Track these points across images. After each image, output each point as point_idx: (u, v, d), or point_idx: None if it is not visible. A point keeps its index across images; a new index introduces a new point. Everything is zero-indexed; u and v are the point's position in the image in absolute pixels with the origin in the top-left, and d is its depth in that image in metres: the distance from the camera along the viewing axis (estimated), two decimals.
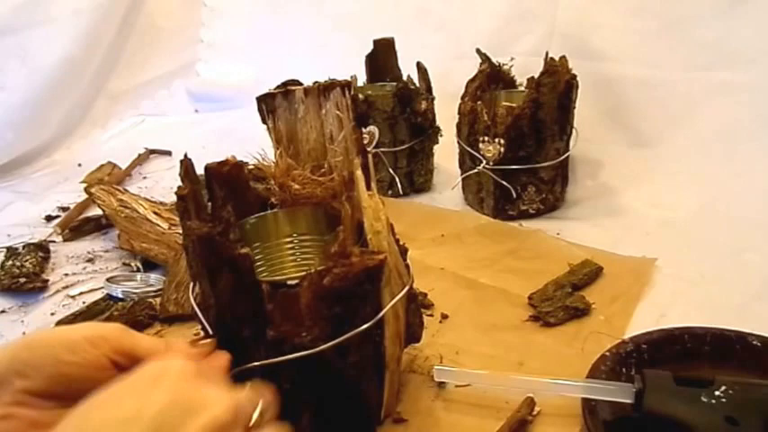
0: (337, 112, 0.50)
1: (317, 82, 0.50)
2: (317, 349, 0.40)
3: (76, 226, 0.87)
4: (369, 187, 0.44)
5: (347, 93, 0.49)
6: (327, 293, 0.40)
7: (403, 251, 0.50)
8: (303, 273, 0.42)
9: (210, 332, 0.42)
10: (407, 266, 0.49)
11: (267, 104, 0.52)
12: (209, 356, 0.37)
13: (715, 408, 0.42)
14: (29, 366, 0.32)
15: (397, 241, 0.50)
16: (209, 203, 0.46)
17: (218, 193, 0.46)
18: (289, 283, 0.42)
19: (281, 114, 0.52)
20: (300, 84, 0.54)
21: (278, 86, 0.53)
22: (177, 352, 0.36)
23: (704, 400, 0.43)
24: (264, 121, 0.52)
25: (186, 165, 0.44)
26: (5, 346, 0.33)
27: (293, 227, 0.52)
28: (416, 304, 0.52)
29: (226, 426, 0.28)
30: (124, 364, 0.34)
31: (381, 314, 0.43)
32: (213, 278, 0.40)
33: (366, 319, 0.42)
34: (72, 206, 0.94)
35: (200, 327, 0.44)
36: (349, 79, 0.51)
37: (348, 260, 0.40)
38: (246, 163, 0.49)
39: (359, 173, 0.44)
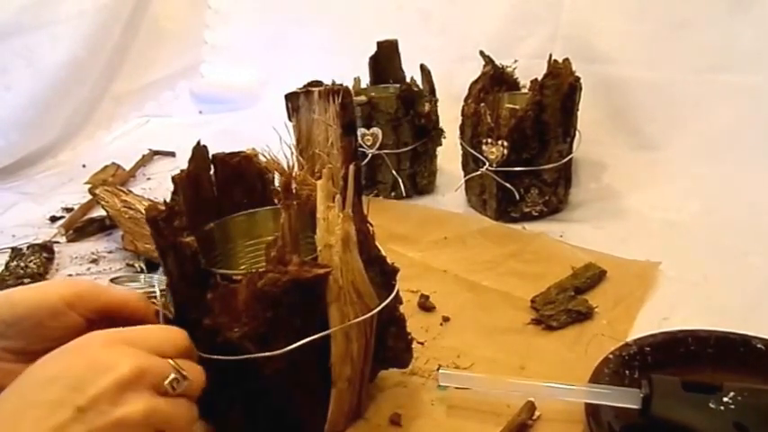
0: (317, 117, 0.50)
1: (333, 82, 0.51)
2: (238, 357, 0.41)
3: (80, 227, 0.88)
4: (337, 198, 0.43)
5: (335, 99, 0.49)
6: (260, 296, 0.40)
7: (389, 271, 0.48)
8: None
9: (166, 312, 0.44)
10: (392, 285, 0.48)
11: (292, 103, 0.53)
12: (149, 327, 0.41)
13: (724, 414, 0.42)
14: (11, 328, 0.37)
15: (383, 259, 0.48)
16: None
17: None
18: (234, 277, 0.42)
19: (303, 114, 0.53)
20: (322, 84, 0.54)
21: (304, 86, 0.55)
22: (135, 308, 0.41)
23: (712, 406, 0.42)
24: (290, 118, 0.53)
25: (197, 150, 0.46)
26: None
27: (277, 226, 0.52)
28: (401, 328, 0.51)
29: (130, 383, 0.32)
30: (96, 319, 0.39)
31: (321, 335, 0.42)
32: (164, 259, 0.42)
33: (298, 330, 0.42)
34: (76, 207, 0.95)
35: None
36: (341, 85, 0.52)
37: (285, 267, 0.40)
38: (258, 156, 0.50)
39: (321, 182, 0.43)
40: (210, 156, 0.50)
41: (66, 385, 0.31)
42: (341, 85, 0.52)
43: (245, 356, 0.41)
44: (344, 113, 0.49)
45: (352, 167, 0.46)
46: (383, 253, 0.49)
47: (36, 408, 0.30)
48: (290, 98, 0.53)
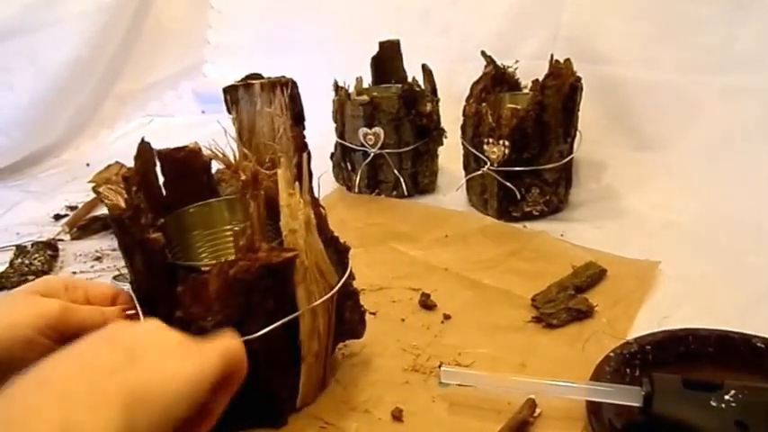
0: (267, 110, 0.52)
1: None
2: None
3: (84, 225, 0.88)
4: (296, 185, 0.46)
5: (284, 91, 0.52)
6: (233, 283, 0.42)
7: (342, 250, 0.51)
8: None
9: (137, 306, 0.45)
10: (345, 263, 0.51)
11: (231, 96, 0.55)
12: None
13: (724, 412, 0.42)
14: None
15: (336, 239, 0.51)
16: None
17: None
18: (203, 269, 0.44)
19: (243, 106, 0.54)
20: (261, 77, 0.56)
21: (242, 79, 0.56)
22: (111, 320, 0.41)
23: (713, 404, 0.42)
24: (229, 112, 0.55)
25: (141, 147, 0.47)
26: None
27: (233, 215, 0.54)
28: (355, 302, 0.54)
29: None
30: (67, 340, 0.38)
31: (293, 316, 0.45)
32: (130, 257, 0.43)
33: (271, 312, 0.44)
34: (80, 205, 0.95)
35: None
36: (285, 77, 0.54)
37: (255, 254, 0.42)
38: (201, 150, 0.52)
39: (281, 171, 0.45)
40: (156, 152, 0.51)
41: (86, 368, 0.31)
42: (284, 77, 0.54)
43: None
44: (293, 104, 0.52)
45: (305, 155, 0.48)
46: (335, 234, 0.52)
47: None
48: (229, 91, 0.55)
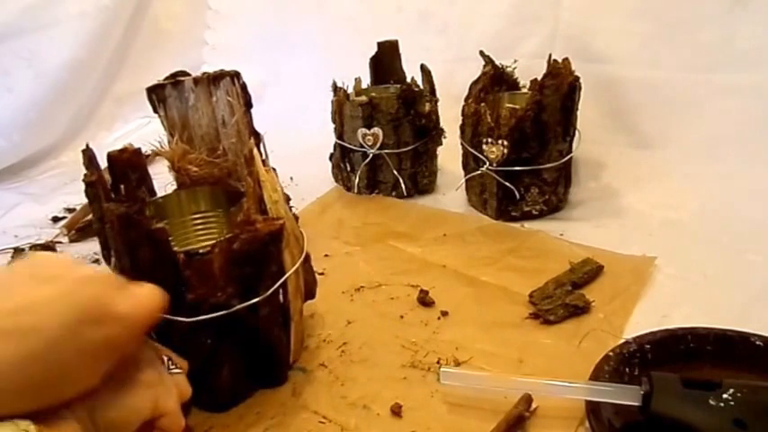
0: (228, 99, 0.54)
1: (205, 73, 0.55)
2: (235, 308, 0.46)
3: (83, 227, 0.88)
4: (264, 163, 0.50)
5: (236, 81, 0.55)
6: (237, 257, 0.45)
7: (295, 218, 0.55)
8: (211, 244, 0.48)
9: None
10: (301, 232, 0.55)
11: (157, 95, 0.57)
12: None
13: (723, 411, 0.42)
14: None
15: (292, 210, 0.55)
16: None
17: (131, 176, 0.52)
18: (201, 251, 0.46)
19: (171, 103, 0.56)
20: (189, 74, 0.58)
21: (167, 77, 0.57)
22: None
23: (712, 403, 0.42)
24: (156, 111, 0.57)
25: (89, 155, 0.49)
26: None
27: (196, 205, 0.56)
28: (309, 264, 0.57)
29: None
30: None
31: (290, 273, 0.49)
32: (133, 253, 0.44)
33: (272, 278, 0.48)
34: (78, 207, 0.95)
35: None
36: (224, 70, 0.57)
37: (253, 226, 0.46)
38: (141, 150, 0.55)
39: (256, 150, 0.48)
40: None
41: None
42: (223, 70, 0.57)
43: (234, 309, 0.46)
44: (245, 93, 0.56)
45: (262, 136, 0.54)
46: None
47: None
48: (154, 91, 0.57)
